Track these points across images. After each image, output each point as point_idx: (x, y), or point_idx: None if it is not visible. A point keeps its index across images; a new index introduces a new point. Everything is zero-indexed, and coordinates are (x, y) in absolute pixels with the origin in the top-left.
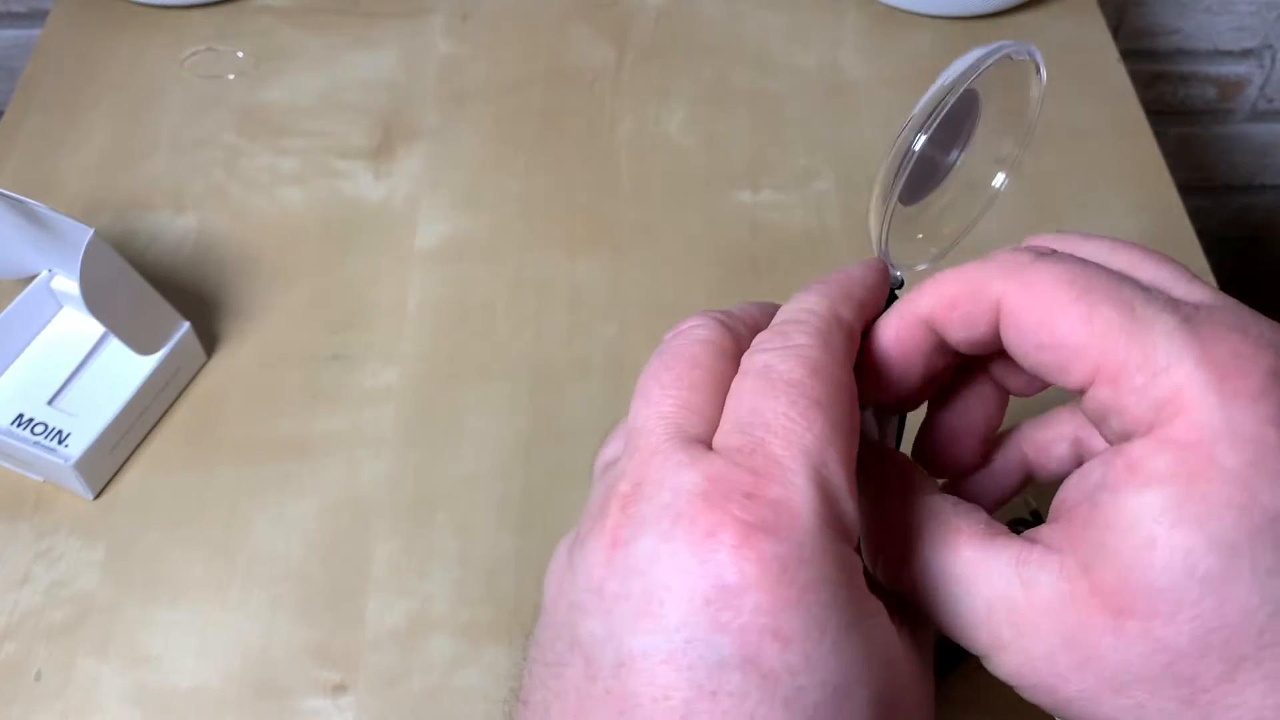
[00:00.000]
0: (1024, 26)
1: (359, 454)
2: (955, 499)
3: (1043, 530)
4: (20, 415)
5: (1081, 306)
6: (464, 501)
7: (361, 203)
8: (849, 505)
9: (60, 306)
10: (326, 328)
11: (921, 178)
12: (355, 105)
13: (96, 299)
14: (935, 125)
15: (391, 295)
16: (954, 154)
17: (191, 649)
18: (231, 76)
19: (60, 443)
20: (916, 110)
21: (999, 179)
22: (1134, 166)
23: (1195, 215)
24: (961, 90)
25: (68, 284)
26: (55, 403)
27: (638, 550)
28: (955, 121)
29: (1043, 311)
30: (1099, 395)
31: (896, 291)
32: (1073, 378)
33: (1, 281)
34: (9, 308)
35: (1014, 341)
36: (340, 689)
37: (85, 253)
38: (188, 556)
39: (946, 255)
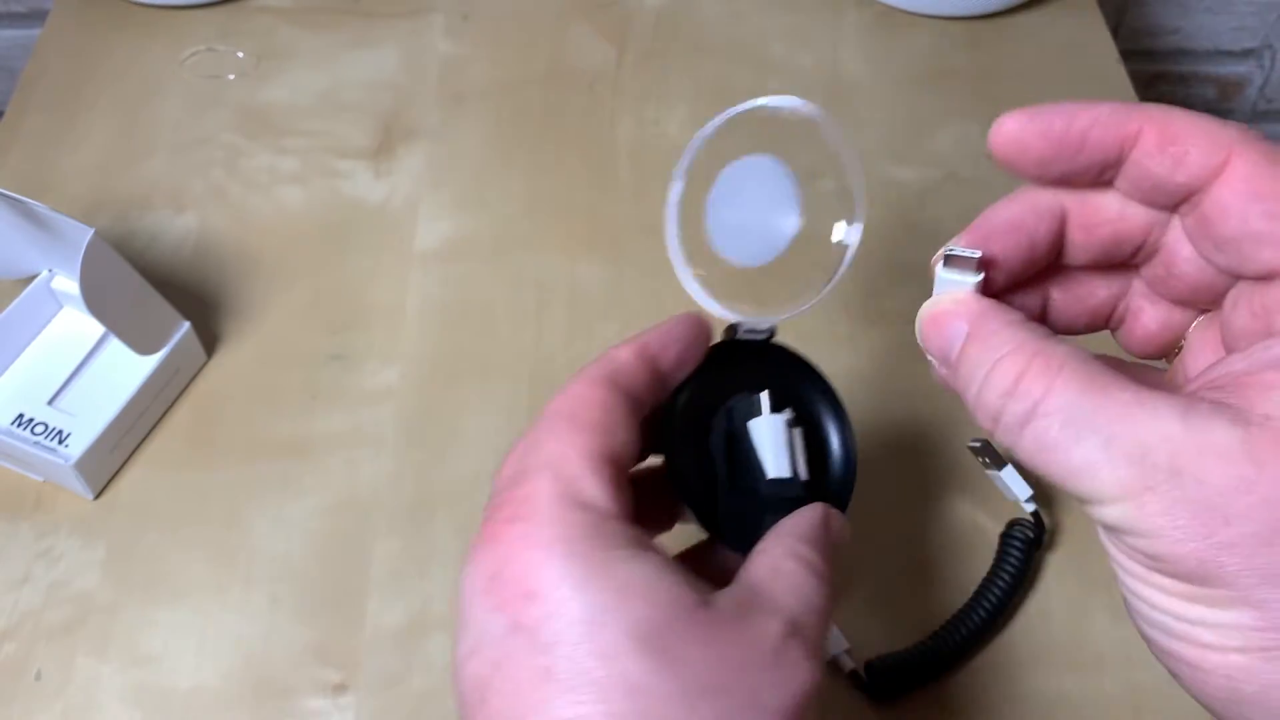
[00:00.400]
0: (1023, 27)
1: (359, 454)
2: (1109, 358)
3: (1204, 395)
4: (20, 415)
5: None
6: (464, 501)
7: (361, 203)
8: (588, 483)
9: (60, 306)
10: (326, 328)
11: (749, 241)
12: (355, 105)
13: (97, 299)
14: (683, 174)
15: (391, 295)
16: (790, 220)
17: (191, 649)
18: (232, 76)
19: (60, 443)
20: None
21: (839, 233)
22: None
23: None
24: (699, 144)
25: (68, 284)
26: (55, 403)
27: (461, 580)
28: (770, 190)
29: (1274, 186)
30: None
31: (745, 335)
32: (1268, 240)
33: (1, 281)
34: (9, 308)
35: (1244, 206)
36: (340, 688)
37: (85, 253)
38: (188, 556)
39: (819, 301)
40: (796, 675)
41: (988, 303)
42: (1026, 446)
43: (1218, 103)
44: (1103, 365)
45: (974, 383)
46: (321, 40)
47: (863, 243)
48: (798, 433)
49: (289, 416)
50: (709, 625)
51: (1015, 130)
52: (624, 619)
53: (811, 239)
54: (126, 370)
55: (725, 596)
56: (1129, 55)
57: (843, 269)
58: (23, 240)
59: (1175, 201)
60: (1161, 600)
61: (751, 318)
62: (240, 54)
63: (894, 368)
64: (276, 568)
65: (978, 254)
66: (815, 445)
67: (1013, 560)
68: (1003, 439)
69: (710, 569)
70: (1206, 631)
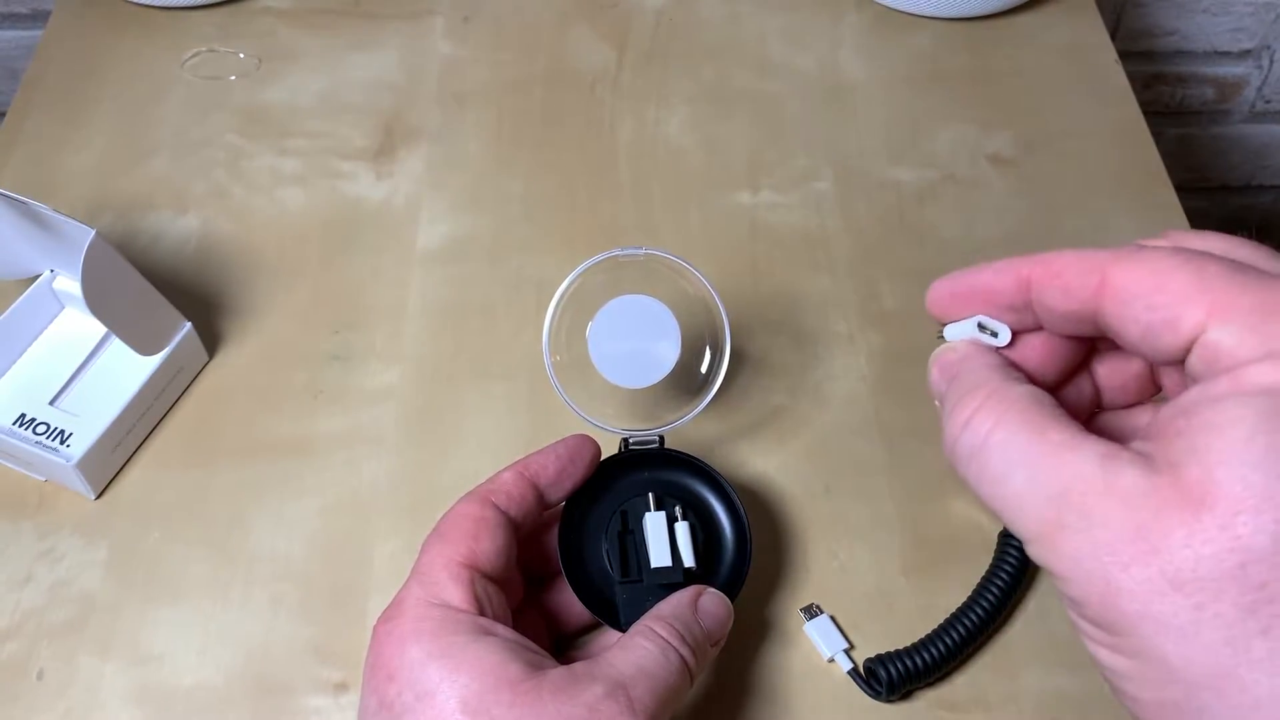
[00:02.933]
0: (1021, 27)
1: (360, 453)
2: (1053, 399)
3: (1131, 444)
4: (22, 415)
5: (1192, 267)
6: None
7: (363, 203)
8: (444, 586)
9: (62, 307)
10: (328, 328)
11: (635, 368)
12: (357, 106)
13: (98, 299)
14: (550, 324)
15: (392, 295)
16: (669, 351)
17: (193, 648)
18: (233, 77)
19: (62, 443)
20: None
21: (705, 363)
22: (1132, 167)
23: (1193, 216)
24: (562, 295)
25: (70, 284)
26: (57, 403)
27: None
28: (649, 323)
29: (1154, 275)
30: (1213, 338)
31: (635, 447)
32: (1184, 327)
33: (3, 282)
34: (11, 308)
35: (1120, 309)
36: (342, 687)
37: (87, 253)
38: (189, 556)
39: (686, 420)
40: None
41: (976, 348)
42: (973, 476)
43: (1215, 103)
44: (1054, 409)
45: (945, 415)
46: (323, 41)
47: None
48: (684, 526)
49: (290, 416)
50: (528, 692)
51: (939, 293)
52: (453, 688)
53: (684, 368)
54: (128, 370)
55: (562, 669)
56: (1127, 56)
57: (716, 386)
58: (24, 241)
59: (1084, 328)
60: (1090, 648)
61: (640, 430)
62: (242, 55)
63: (893, 367)
64: (278, 567)
65: (1003, 327)
66: (711, 535)
67: (1011, 559)
68: (957, 468)
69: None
70: (1125, 682)
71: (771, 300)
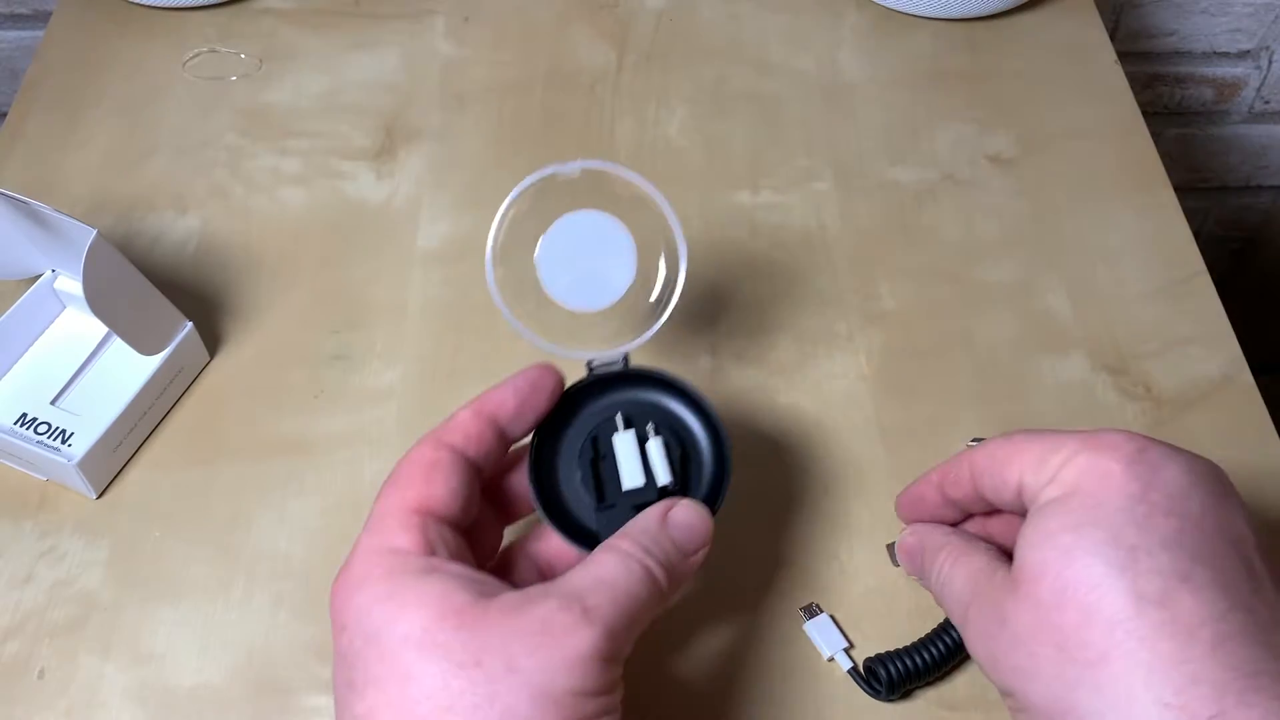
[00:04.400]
0: (1021, 28)
1: (361, 453)
2: (991, 549)
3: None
4: (24, 415)
5: (1005, 441)
6: None
7: (363, 203)
8: (394, 532)
9: (63, 307)
10: (329, 328)
11: (590, 290)
12: (357, 106)
13: (99, 299)
14: (499, 236)
15: (393, 295)
16: (622, 274)
17: (194, 647)
18: (234, 78)
19: (64, 442)
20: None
21: (656, 290)
22: (1131, 168)
23: (1192, 216)
24: (506, 211)
25: (71, 284)
26: (58, 402)
27: None
28: (602, 241)
29: (988, 455)
30: (1024, 483)
31: (600, 369)
32: (1010, 484)
33: (5, 282)
34: (12, 308)
35: (984, 485)
36: None
37: (88, 253)
38: (190, 555)
39: (647, 337)
40: (562, 639)
41: (931, 526)
42: (945, 604)
43: (1215, 104)
44: (982, 548)
45: (928, 564)
46: (323, 42)
47: (860, 244)
48: (656, 443)
49: (291, 416)
50: (476, 617)
51: (901, 505)
52: (400, 626)
53: (645, 280)
54: (129, 370)
55: (514, 592)
56: (1126, 57)
57: (675, 299)
58: (26, 241)
59: (988, 508)
60: (1012, 716)
61: (602, 352)
62: (243, 55)
63: (892, 367)
64: (279, 567)
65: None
66: (687, 451)
67: None
68: (936, 596)
69: None
70: None
71: (771, 300)
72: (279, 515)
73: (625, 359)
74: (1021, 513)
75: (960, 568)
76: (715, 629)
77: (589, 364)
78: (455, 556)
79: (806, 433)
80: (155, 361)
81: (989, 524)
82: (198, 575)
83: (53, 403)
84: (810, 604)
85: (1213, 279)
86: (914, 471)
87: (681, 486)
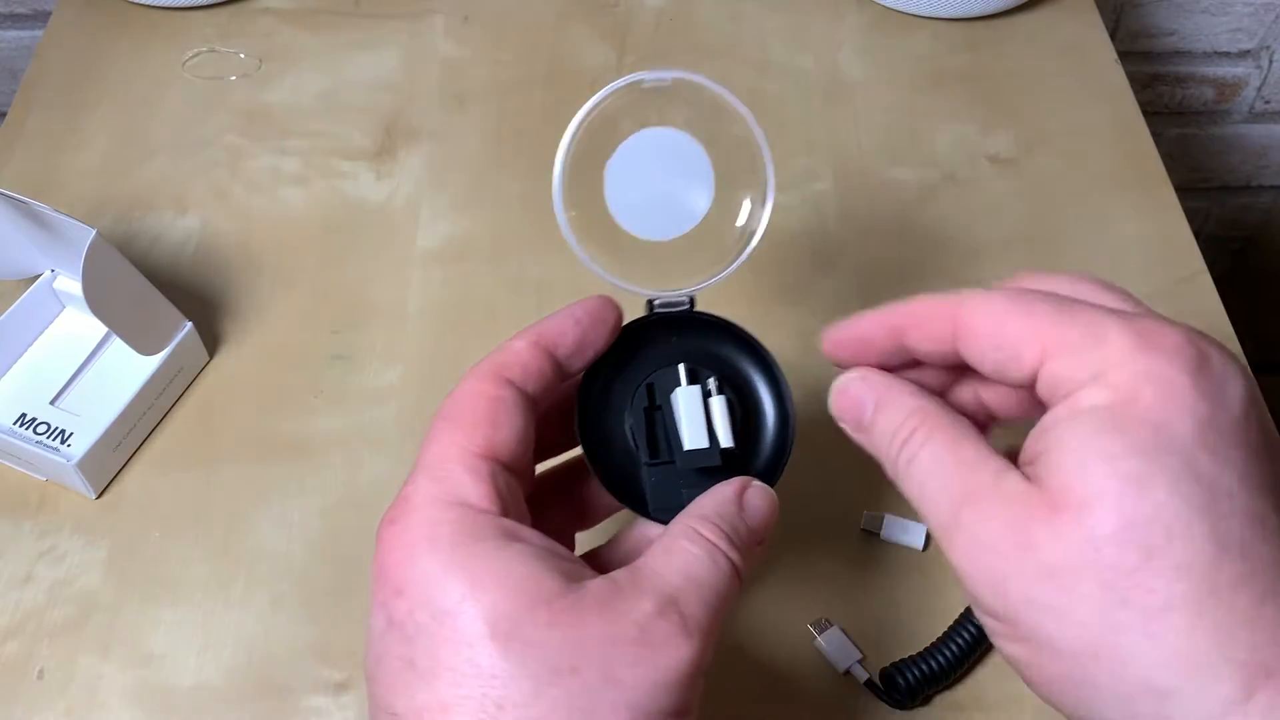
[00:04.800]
0: (1022, 28)
1: (360, 453)
2: (969, 423)
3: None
4: (23, 415)
5: (1022, 309)
6: None
7: (363, 203)
8: (461, 480)
9: (63, 307)
10: (328, 328)
11: (660, 217)
12: (357, 106)
13: (99, 299)
14: (565, 156)
15: (393, 295)
16: (700, 196)
17: (193, 648)
18: (234, 78)
19: (63, 442)
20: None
21: (743, 217)
22: (1131, 167)
23: (1192, 216)
24: (576, 131)
25: (70, 284)
26: (58, 402)
27: None
28: (679, 164)
29: (993, 319)
30: (1050, 370)
31: (661, 310)
32: (1026, 363)
33: (4, 282)
34: (12, 308)
35: (973, 349)
36: (342, 687)
37: (88, 253)
38: (190, 555)
39: (719, 279)
40: (665, 652)
41: (889, 378)
42: (909, 487)
43: (1215, 104)
44: (970, 431)
45: (883, 440)
46: (323, 41)
47: (861, 244)
48: (719, 401)
49: (291, 416)
50: (566, 610)
51: (829, 342)
52: (478, 608)
53: (719, 219)
54: (129, 370)
55: (601, 581)
56: (1127, 57)
57: (756, 239)
58: (25, 241)
59: (956, 361)
60: (996, 643)
61: (666, 291)
62: (242, 55)
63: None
64: (278, 567)
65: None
66: (751, 412)
67: None
68: (896, 480)
69: (640, 547)
70: (1026, 667)
71: (772, 300)
72: (279, 515)
73: (691, 301)
74: (1024, 392)
75: (941, 450)
76: (724, 652)
77: (650, 302)
78: (521, 514)
79: (807, 436)
80: (155, 361)
81: (984, 392)
82: (197, 575)
83: (52, 403)
84: (819, 619)
85: (1213, 279)
86: None
87: (740, 451)
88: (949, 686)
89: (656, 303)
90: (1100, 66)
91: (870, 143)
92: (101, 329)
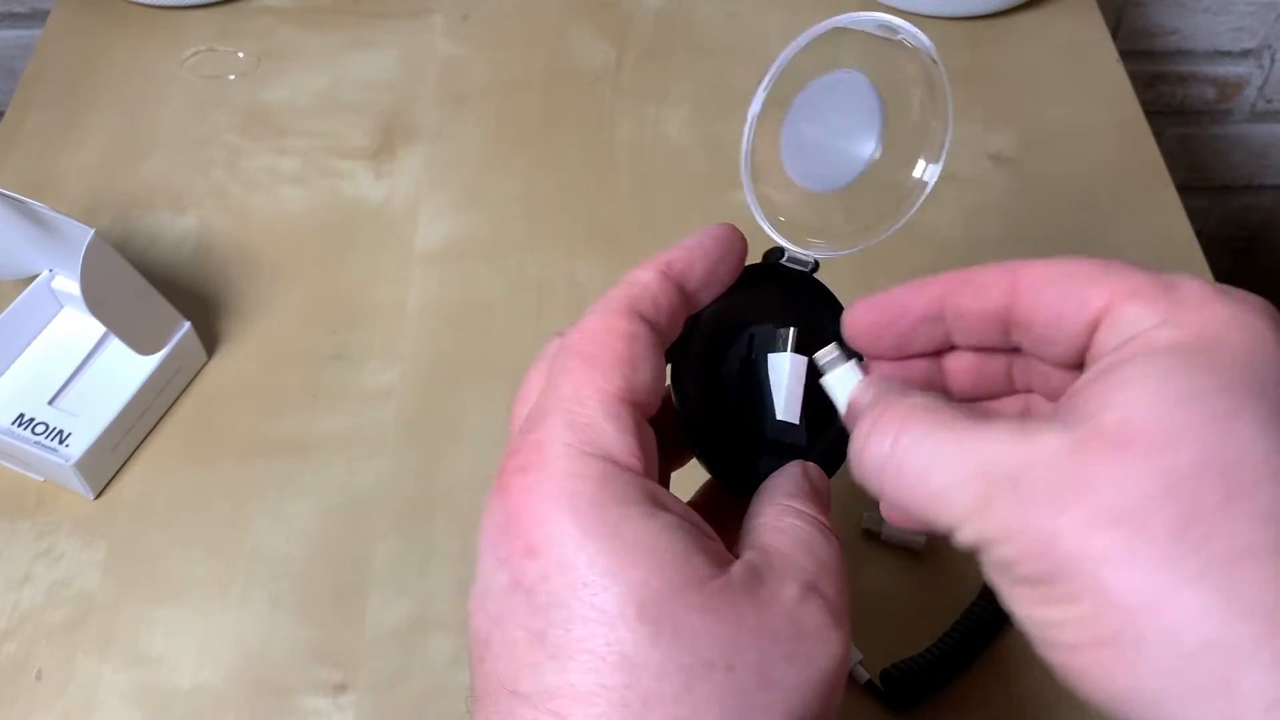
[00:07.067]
0: (1023, 27)
1: (359, 453)
2: (944, 396)
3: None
4: (21, 415)
5: (1096, 260)
6: (464, 501)
7: (362, 203)
8: (603, 429)
9: (61, 306)
10: (327, 327)
11: (822, 163)
12: (356, 105)
13: (97, 299)
14: (767, 85)
15: (392, 295)
16: (868, 147)
17: (192, 648)
18: (232, 77)
19: (61, 442)
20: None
21: (920, 168)
22: (1133, 167)
23: (1194, 215)
24: (786, 57)
25: (68, 284)
26: (56, 403)
27: (481, 524)
28: (852, 112)
29: (1059, 268)
30: (1118, 313)
31: (788, 263)
32: (1091, 308)
33: (2, 282)
34: (10, 308)
35: (1032, 298)
36: (341, 688)
37: (86, 253)
38: (188, 556)
39: (883, 238)
40: (818, 648)
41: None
42: (887, 486)
43: (1216, 103)
44: (949, 405)
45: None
46: (322, 41)
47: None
48: (833, 376)
49: (289, 416)
50: (718, 595)
51: (861, 321)
52: (625, 584)
53: (884, 174)
54: (127, 370)
55: (740, 564)
56: (1128, 56)
57: (914, 210)
58: (23, 240)
59: (989, 331)
60: (1028, 611)
61: (797, 246)
62: (241, 54)
63: None
64: (277, 567)
65: (849, 358)
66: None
67: None
68: (866, 483)
69: (717, 511)
70: (1061, 631)
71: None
72: (277, 515)
73: (815, 264)
74: (1070, 362)
75: (958, 446)
76: None
77: (773, 252)
78: (659, 475)
79: None
80: (153, 361)
81: (1032, 368)
82: (196, 576)
83: (50, 403)
84: None
85: (1214, 278)
86: None
87: (812, 435)
88: (949, 687)
89: (785, 255)
90: (1102, 66)
91: None
92: (100, 329)
